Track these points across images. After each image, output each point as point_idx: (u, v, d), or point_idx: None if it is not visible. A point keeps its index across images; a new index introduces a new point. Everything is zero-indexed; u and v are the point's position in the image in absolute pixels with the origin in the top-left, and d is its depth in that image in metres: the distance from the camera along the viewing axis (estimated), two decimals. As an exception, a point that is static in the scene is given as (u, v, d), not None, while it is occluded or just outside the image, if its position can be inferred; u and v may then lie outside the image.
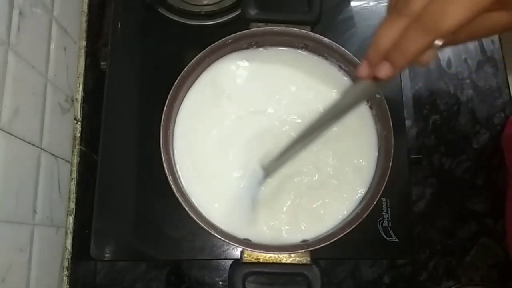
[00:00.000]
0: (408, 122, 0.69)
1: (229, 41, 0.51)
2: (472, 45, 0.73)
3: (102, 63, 0.64)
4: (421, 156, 0.62)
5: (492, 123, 0.70)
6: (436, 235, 0.67)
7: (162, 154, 0.48)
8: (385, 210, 0.59)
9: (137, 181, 0.60)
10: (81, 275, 0.61)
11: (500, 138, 0.68)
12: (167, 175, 0.47)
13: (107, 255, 0.57)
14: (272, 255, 0.48)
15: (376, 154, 0.51)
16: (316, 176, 0.51)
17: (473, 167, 0.69)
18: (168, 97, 0.49)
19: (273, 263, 0.48)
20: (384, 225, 0.58)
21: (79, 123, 0.61)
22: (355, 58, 0.51)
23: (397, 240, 0.58)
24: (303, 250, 0.48)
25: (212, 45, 0.50)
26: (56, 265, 0.55)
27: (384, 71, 0.35)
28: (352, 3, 0.67)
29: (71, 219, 0.59)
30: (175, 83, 0.49)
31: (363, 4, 0.67)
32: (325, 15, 0.60)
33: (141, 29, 0.65)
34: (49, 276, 0.54)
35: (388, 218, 0.59)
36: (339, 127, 0.50)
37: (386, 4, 0.64)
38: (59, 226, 0.56)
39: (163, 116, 0.48)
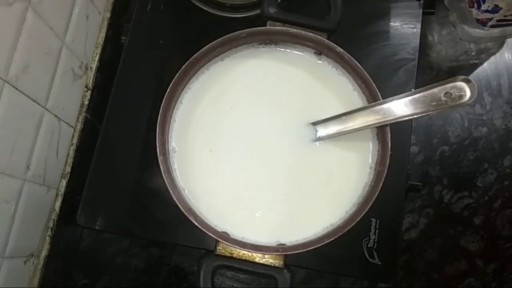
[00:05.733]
0: (415, 148, 0.68)
1: (243, 35, 0.51)
2: (495, 82, 0.71)
3: (122, 37, 0.65)
4: (420, 184, 0.61)
5: (502, 165, 0.69)
6: (423, 266, 0.66)
7: (157, 135, 0.48)
8: (373, 230, 0.58)
9: (135, 158, 0.60)
10: (65, 238, 0.62)
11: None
12: (158, 155, 0.48)
13: (92, 223, 0.58)
14: (246, 252, 0.48)
15: (369, 170, 0.50)
16: (306, 181, 0.51)
17: (473, 205, 0.67)
18: (173, 80, 0.49)
19: (246, 260, 0.48)
20: (369, 245, 0.58)
21: (89, 91, 0.63)
22: (365, 72, 0.50)
23: (379, 263, 0.57)
24: (278, 253, 0.47)
25: (225, 36, 0.50)
26: (41, 224, 0.57)
27: None
28: (379, 21, 0.66)
29: (64, 183, 0.60)
30: (182, 67, 0.49)
31: (390, 23, 0.66)
32: (350, 26, 0.60)
33: (166, 11, 0.66)
34: (31, 232, 0.55)
35: (374, 239, 0.58)
36: (338, 136, 0.50)
37: (411, 26, 0.64)
38: (51, 187, 0.57)
39: (165, 97, 0.49)
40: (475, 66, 0.74)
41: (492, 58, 0.74)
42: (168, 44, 0.64)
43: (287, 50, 0.54)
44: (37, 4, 0.48)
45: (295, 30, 0.51)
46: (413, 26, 0.65)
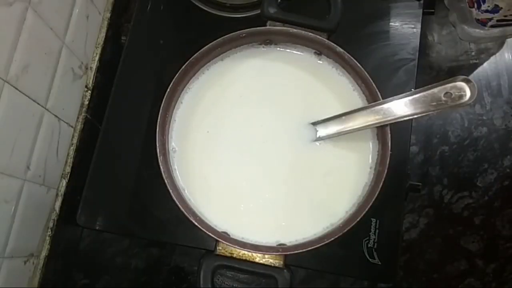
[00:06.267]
0: (415, 148, 0.68)
1: (243, 35, 0.51)
2: (495, 82, 0.71)
3: (122, 37, 0.65)
4: (420, 184, 0.61)
5: (502, 164, 0.69)
6: (423, 266, 0.66)
7: (157, 135, 0.48)
8: (373, 230, 0.58)
9: (135, 158, 0.60)
10: (65, 238, 0.62)
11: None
12: (158, 155, 0.48)
13: (92, 223, 0.58)
14: (246, 252, 0.48)
15: (369, 170, 0.50)
16: (306, 181, 0.51)
17: (473, 205, 0.67)
18: (173, 80, 0.49)
19: (246, 260, 0.48)
20: (369, 245, 0.58)
21: (89, 91, 0.63)
22: (365, 72, 0.50)
23: (379, 263, 0.57)
24: (278, 253, 0.47)
25: (225, 36, 0.50)
26: (41, 224, 0.57)
27: None
28: (379, 21, 0.66)
29: (64, 183, 0.60)
30: (182, 67, 0.49)
31: (390, 23, 0.66)
32: (350, 26, 0.60)
33: (166, 11, 0.66)
34: (31, 232, 0.55)
35: (374, 239, 0.58)
36: (338, 136, 0.50)
37: (411, 26, 0.64)
38: (51, 187, 0.57)
39: (165, 97, 0.49)
40: (475, 66, 0.74)
41: (492, 58, 0.74)
42: (168, 44, 0.64)
43: (287, 50, 0.54)
44: (37, 4, 0.48)
45: (295, 30, 0.51)
46: (413, 26, 0.65)
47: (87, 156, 0.60)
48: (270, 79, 0.54)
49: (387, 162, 0.49)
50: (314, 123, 0.51)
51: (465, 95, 0.44)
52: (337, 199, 0.50)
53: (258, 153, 0.51)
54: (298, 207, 0.50)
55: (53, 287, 0.60)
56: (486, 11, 0.68)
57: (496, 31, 0.71)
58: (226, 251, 0.49)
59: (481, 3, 0.68)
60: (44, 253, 0.58)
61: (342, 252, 0.57)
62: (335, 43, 0.51)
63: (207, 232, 0.46)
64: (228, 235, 0.48)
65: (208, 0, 0.65)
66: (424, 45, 0.73)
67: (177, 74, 0.50)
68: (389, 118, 0.48)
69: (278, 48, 0.54)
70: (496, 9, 0.66)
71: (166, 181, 0.47)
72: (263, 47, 0.54)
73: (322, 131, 0.51)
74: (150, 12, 0.65)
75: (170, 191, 0.47)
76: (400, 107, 0.47)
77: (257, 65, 0.54)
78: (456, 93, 0.44)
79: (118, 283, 0.67)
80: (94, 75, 0.63)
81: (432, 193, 0.68)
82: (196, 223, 0.46)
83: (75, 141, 0.61)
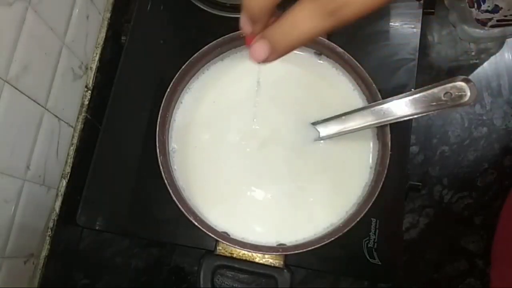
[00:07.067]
0: (415, 148, 0.68)
1: (243, 35, 0.51)
2: (495, 82, 0.71)
3: (122, 37, 0.65)
4: (420, 184, 0.61)
5: (502, 164, 0.69)
6: (423, 266, 0.66)
7: (157, 135, 0.48)
8: (373, 230, 0.58)
9: (135, 158, 0.60)
10: (65, 238, 0.62)
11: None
12: (158, 155, 0.48)
13: (92, 223, 0.58)
14: (246, 252, 0.48)
15: (369, 170, 0.51)
16: (306, 181, 0.51)
17: (473, 205, 0.67)
18: (173, 80, 0.49)
19: (246, 260, 0.48)
20: (369, 245, 0.58)
21: (89, 91, 0.63)
22: (365, 72, 0.50)
23: (379, 263, 0.57)
24: (278, 253, 0.48)
25: (225, 36, 0.50)
26: (41, 224, 0.57)
27: (258, 52, 0.28)
28: (379, 21, 0.66)
29: (64, 183, 0.60)
30: (182, 67, 0.50)
31: (390, 23, 0.66)
32: (350, 26, 0.60)
33: (166, 11, 0.66)
34: (31, 232, 0.55)
35: (374, 239, 0.58)
36: (338, 136, 0.50)
37: (411, 26, 0.64)
38: (51, 187, 0.57)
39: (165, 97, 0.49)
40: (475, 66, 0.74)
41: (492, 58, 0.74)
42: (168, 44, 0.64)
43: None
44: (37, 4, 0.48)
45: (295, 30, 0.51)
46: (413, 26, 0.65)
47: (87, 156, 0.60)
48: (270, 79, 0.54)
49: (387, 162, 0.49)
50: (315, 123, 0.51)
51: (465, 95, 0.44)
52: (337, 199, 0.50)
53: (258, 153, 0.51)
54: (298, 207, 0.50)
55: (53, 287, 0.60)
56: (486, 11, 0.68)
57: (496, 31, 0.71)
58: (226, 251, 0.49)
59: (481, 3, 0.68)
60: (44, 253, 0.58)
61: (342, 252, 0.57)
62: (335, 43, 0.51)
63: (207, 232, 0.46)
64: (228, 235, 0.48)
65: (208, 0, 0.65)
66: (424, 45, 0.73)
67: (177, 74, 0.50)
68: (389, 118, 0.48)
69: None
70: (496, 9, 0.66)
71: (166, 181, 0.47)
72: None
73: (322, 131, 0.51)
74: (150, 12, 0.65)
75: (170, 191, 0.47)
76: (400, 107, 0.47)
77: (257, 65, 0.54)
78: (456, 93, 0.44)
79: (118, 283, 0.67)
80: (94, 75, 0.63)
81: (432, 193, 0.68)
82: (196, 223, 0.46)
83: (75, 141, 0.61)
